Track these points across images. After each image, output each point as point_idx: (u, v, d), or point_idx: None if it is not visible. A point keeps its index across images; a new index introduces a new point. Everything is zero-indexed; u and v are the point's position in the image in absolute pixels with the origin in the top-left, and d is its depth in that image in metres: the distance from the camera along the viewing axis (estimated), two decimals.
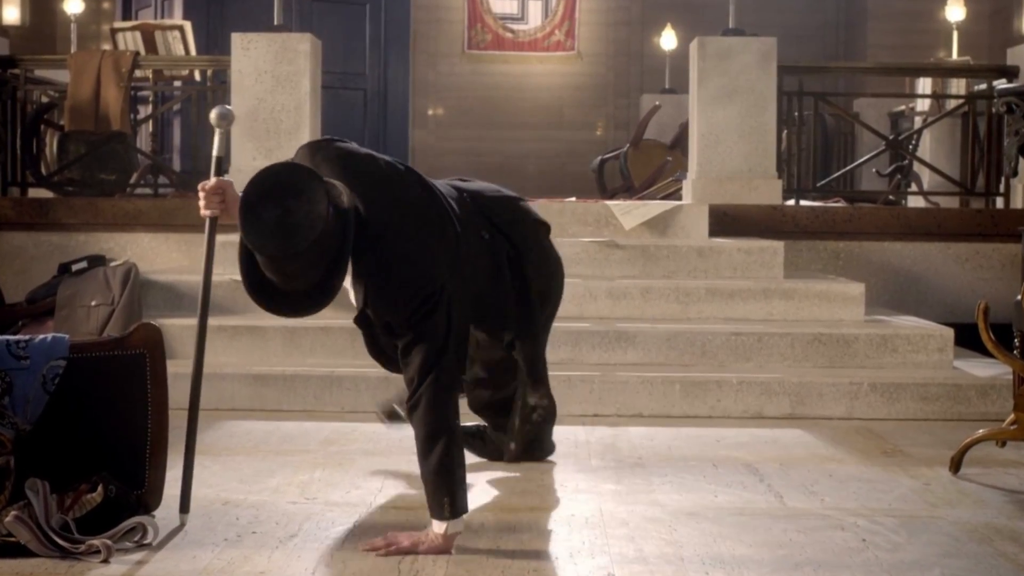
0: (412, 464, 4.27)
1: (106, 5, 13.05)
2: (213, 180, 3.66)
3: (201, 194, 3.67)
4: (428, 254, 3.42)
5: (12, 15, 11.19)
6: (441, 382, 3.33)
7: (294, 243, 3.14)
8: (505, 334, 3.99)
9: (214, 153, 3.76)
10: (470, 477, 4.15)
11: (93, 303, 5.97)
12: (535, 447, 4.36)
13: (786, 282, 6.30)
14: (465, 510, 3.35)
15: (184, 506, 3.54)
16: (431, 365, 3.32)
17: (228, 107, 3.80)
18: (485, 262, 3.77)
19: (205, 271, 3.74)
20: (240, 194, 3.31)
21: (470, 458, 4.44)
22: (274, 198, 3.19)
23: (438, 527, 3.32)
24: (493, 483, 4.10)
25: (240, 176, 7.40)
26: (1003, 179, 7.65)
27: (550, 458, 4.43)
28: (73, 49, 9.11)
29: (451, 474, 3.32)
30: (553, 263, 4.08)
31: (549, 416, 4.28)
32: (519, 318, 3.93)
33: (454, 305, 3.42)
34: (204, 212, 3.69)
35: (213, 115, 3.72)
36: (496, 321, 3.94)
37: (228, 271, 6.27)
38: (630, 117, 13.48)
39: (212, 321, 5.83)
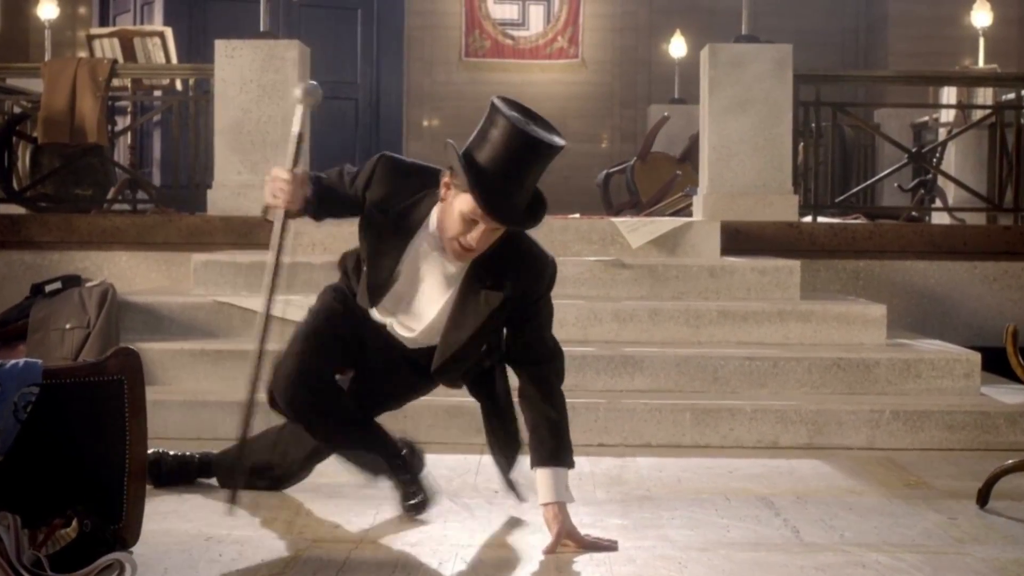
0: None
1: (82, 10, 13.09)
2: (300, 169, 3.69)
3: (285, 183, 3.67)
4: None
5: None
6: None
7: (562, 140, 3.62)
8: None
9: (295, 130, 3.73)
10: (467, 510, 4.15)
11: (68, 326, 5.97)
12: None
13: (803, 303, 6.30)
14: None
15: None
16: (559, 348, 3.93)
17: (313, 82, 3.80)
18: None
19: (274, 264, 3.73)
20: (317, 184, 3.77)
21: (463, 488, 4.44)
22: (526, 110, 3.66)
23: (556, 494, 3.74)
24: (491, 516, 4.10)
25: (224, 191, 7.44)
26: None
27: None
28: (47, 57, 9.13)
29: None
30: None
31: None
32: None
33: None
34: (279, 203, 3.70)
35: (298, 90, 3.72)
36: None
37: (211, 291, 6.30)
38: (637, 129, 13.51)
39: (194, 345, 5.86)
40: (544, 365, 3.88)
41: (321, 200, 3.83)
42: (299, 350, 3.91)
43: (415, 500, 4.07)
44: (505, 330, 3.92)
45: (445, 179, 3.69)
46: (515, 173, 3.59)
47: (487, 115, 3.63)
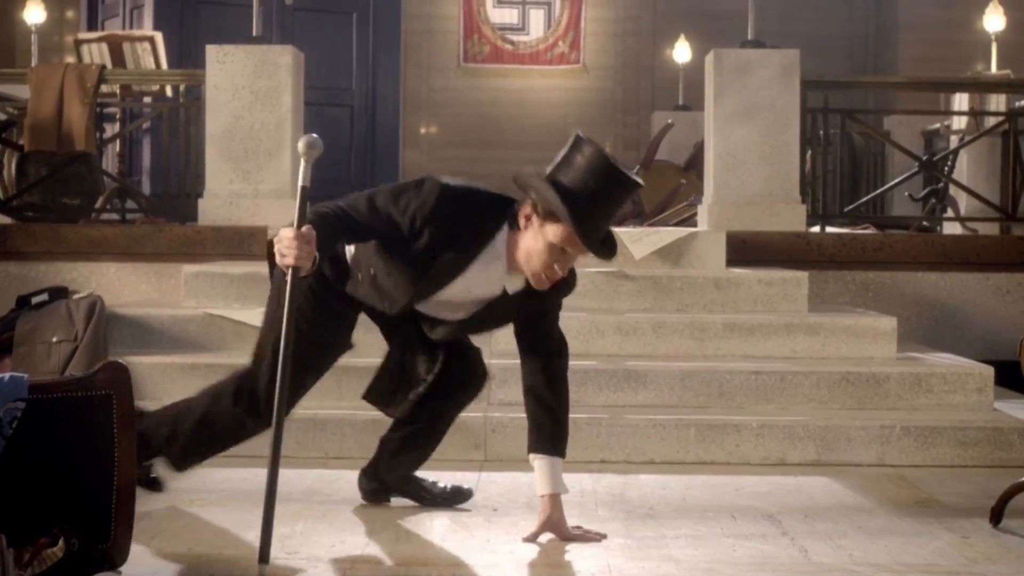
0: (401, 516, 4.28)
1: (70, 14, 13.11)
2: (305, 228, 3.64)
3: (291, 241, 3.62)
4: None
5: None
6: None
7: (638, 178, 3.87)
8: None
9: (300, 184, 3.70)
10: (465, 529, 4.15)
11: (54, 339, 5.97)
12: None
13: (811, 316, 6.31)
14: None
15: (263, 557, 3.57)
16: (566, 341, 4.12)
17: (314, 135, 3.78)
18: None
19: (286, 327, 3.70)
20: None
21: (458, 511, 4.45)
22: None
23: (552, 485, 3.97)
24: (490, 534, 4.10)
25: (216, 200, 7.45)
26: None
27: None
28: (34, 62, 9.13)
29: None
30: None
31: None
32: None
33: None
34: (293, 262, 3.64)
35: (301, 145, 3.71)
36: None
37: (202, 304, 6.30)
38: (640, 136, 13.52)
39: (185, 359, 5.87)
40: (554, 359, 4.06)
41: (338, 242, 3.90)
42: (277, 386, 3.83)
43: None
44: (522, 320, 4.07)
45: (526, 210, 3.82)
46: (603, 203, 3.75)
47: (572, 144, 3.81)
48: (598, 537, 4.00)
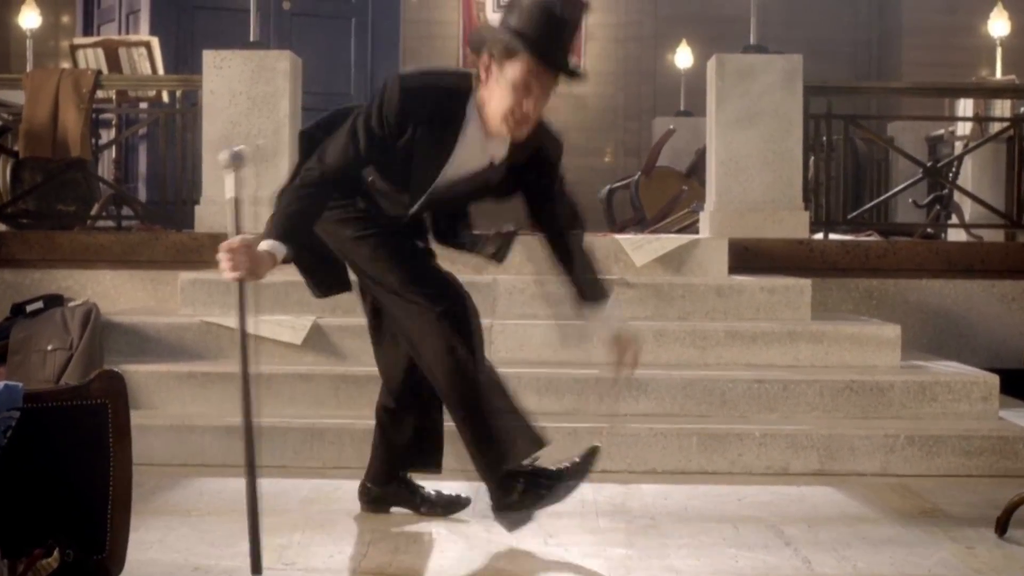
0: (400, 525, 4.28)
1: (65, 19, 13.13)
2: (236, 237, 3.68)
3: (225, 254, 3.68)
4: None
5: None
6: None
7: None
8: None
9: (229, 195, 3.73)
10: (464, 539, 4.15)
11: (49, 347, 5.97)
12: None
13: (814, 324, 6.31)
14: None
15: (256, 567, 3.55)
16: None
17: (238, 147, 3.80)
18: None
19: (241, 339, 3.69)
20: (262, 248, 3.76)
21: (461, 515, 4.45)
22: None
23: (617, 324, 4.22)
24: (490, 546, 4.10)
25: (212, 207, 7.45)
26: None
27: (552, 518, 4.42)
28: (29, 67, 9.15)
29: None
30: None
31: None
32: None
33: None
34: (232, 276, 3.72)
35: (222, 156, 3.73)
36: None
37: (199, 312, 6.30)
38: (641, 142, 13.52)
39: (181, 367, 5.87)
40: (578, 226, 4.24)
41: (311, 225, 3.95)
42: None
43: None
44: (529, 202, 4.17)
45: (483, 61, 3.86)
46: (556, 24, 3.78)
47: None
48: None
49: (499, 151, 4.00)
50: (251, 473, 3.61)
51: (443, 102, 3.93)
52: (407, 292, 4.10)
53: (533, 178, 4.10)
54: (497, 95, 3.85)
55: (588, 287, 4.18)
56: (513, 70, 3.80)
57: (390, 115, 3.89)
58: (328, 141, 3.98)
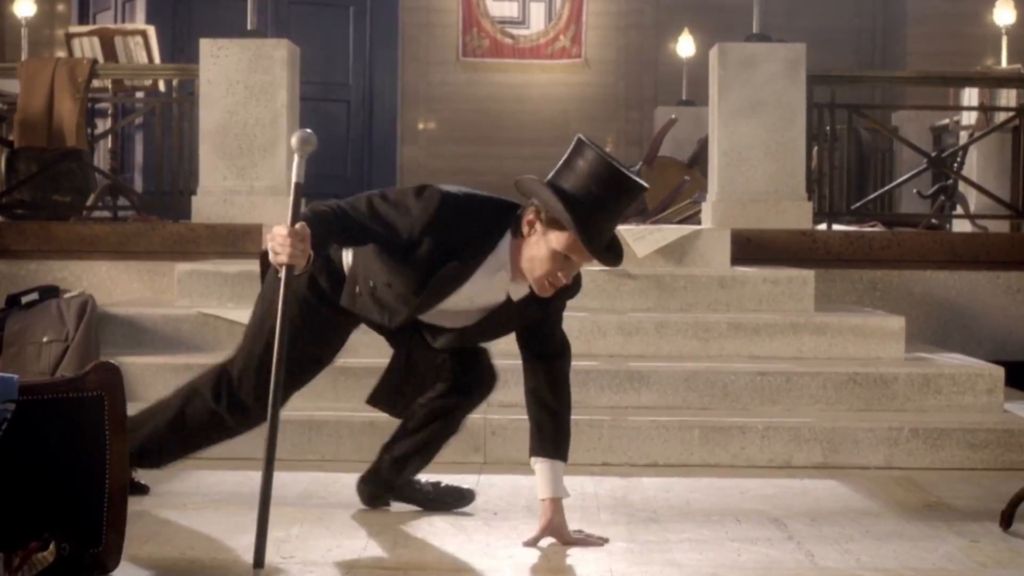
0: (399, 520, 4.28)
1: (61, 8, 13.12)
2: (299, 226, 3.62)
3: (285, 238, 3.59)
4: None
5: None
6: None
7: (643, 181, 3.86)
8: None
9: (294, 180, 3.69)
10: (464, 533, 4.15)
11: (45, 339, 5.97)
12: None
13: (817, 316, 6.31)
14: None
15: (258, 561, 3.54)
16: (566, 337, 4.14)
17: (308, 131, 3.77)
18: None
19: (281, 323, 3.66)
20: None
21: (457, 514, 4.45)
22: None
23: (552, 489, 3.98)
24: (490, 539, 4.10)
25: (209, 198, 7.45)
26: None
27: None
28: (24, 56, 9.14)
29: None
30: None
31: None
32: None
33: None
34: (287, 260, 3.62)
35: (293, 139, 3.70)
36: None
37: (196, 303, 6.30)
38: (643, 132, 13.51)
39: (178, 360, 5.86)
40: (557, 360, 4.08)
41: (333, 241, 3.89)
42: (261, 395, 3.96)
43: None
44: (517, 326, 4.09)
45: (529, 216, 3.81)
46: (608, 208, 3.76)
47: (574, 148, 3.80)
48: (600, 542, 4.01)
49: (519, 292, 3.96)
50: (269, 464, 3.61)
51: (477, 230, 3.88)
52: (237, 362, 4.20)
53: (539, 308, 4.01)
54: (536, 255, 3.81)
55: (549, 434, 4.03)
56: (558, 240, 3.76)
57: (420, 220, 3.80)
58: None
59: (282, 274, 3.65)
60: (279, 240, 3.62)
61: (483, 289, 3.95)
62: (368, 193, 3.92)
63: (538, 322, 4.06)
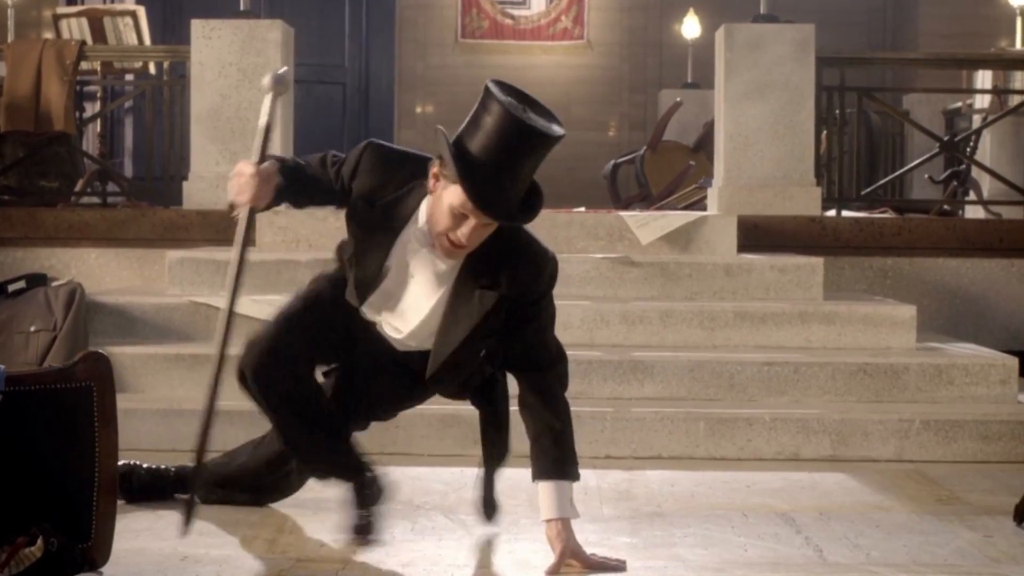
0: (398, 513, 4.27)
1: None
2: (268, 164, 3.66)
3: (250, 178, 3.64)
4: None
5: None
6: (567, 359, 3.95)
7: (562, 129, 3.62)
8: None
9: (263, 121, 3.72)
10: (463, 527, 4.15)
11: (32, 328, 5.97)
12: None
13: (826, 304, 6.31)
14: None
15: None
16: (563, 351, 3.93)
17: (283, 69, 3.81)
18: None
19: (237, 264, 3.71)
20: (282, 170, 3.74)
21: (459, 503, 4.45)
22: (524, 96, 3.65)
23: (560, 509, 3.74)
24: (488, 533, 4.10)
25: (201, 183, 7.44)
26: None
27: None
28: (10, 38, 9.12)
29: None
30: None
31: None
32: None
33: None
34: (245, 199, 3.66)
35: (267, 80, 3.73)
36: None
37: (188, 291, 6.30)
38: (647, 116, 13.52)
39: (169, 349, 5.87)
40: (547, 371, 3.87)
41: (296, 191, 3.85)
42: (277, 330, 3.87)
43: (362, 533, 3.96)
44: (500, 333, 3.89)
45: (434, 169, 3.68)
46: (509, 163, 3.58)
47: (480, 100, 3.62)
48: (621, 565, 3.78)
49: (442, 264, 3.78)
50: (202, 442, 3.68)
51: (399, 186, 3.78)
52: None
53: (516, 319, 3.84)
54: (436, 211, 3.66)
55: (551, 455, 3.80)
56: (452, 196, 3.60)
57: (345, 172, 3.79)
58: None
59: (243, 214, 3.68)
60: (244, 179, 3.65)
61: (408, 259, 3.80)
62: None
63: (521, 327, 3.84)
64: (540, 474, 3.79)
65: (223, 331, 3.77)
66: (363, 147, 3.84)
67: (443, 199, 3.62)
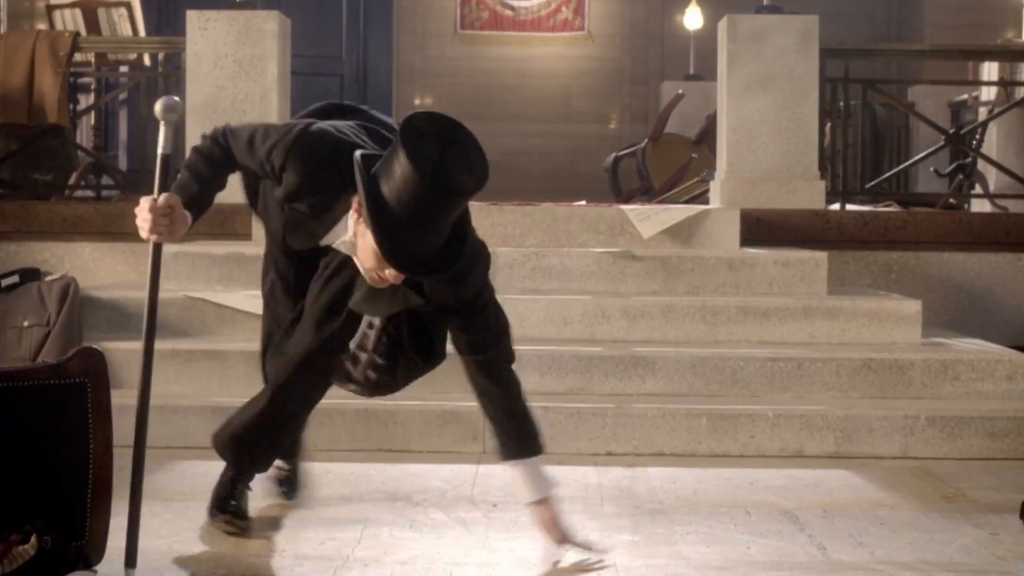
0: (396, 510, 4.28)
1: None
2: (163, 198, 3.62)
3: (146, 213, 3.63)
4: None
5: None
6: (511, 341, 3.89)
7: (484, 172, 3.42)
8: None
9: (159, 151, 3.73)
10: (462, 525, 4.15)
11: (26, 324, 5.97)
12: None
13: (830, 299, 6.30)
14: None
15: (130, 560, 3.53)
16: (504, 324, 3.88)
17: (174, 98, 3.78)
18: None
19: (149, 301, 3.69)
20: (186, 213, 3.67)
21: (457, 501, 4.45)
22: (442, 135, 3.42)
23: (539, 489, 3.82)
24: (489, 531, 4.10)
25: None
26: None
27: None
28: (2, 29, 9.14)
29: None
30: None
31: None
32: None
33: None
34: (148, 236, 3.67)
35: (157, 106, 3.71)
36: None
37: (183, 286, 6.30)
38: (649, 108, 13.52)
39: (164, 345, 5.85)
40: (491, 351, 3.85)
41: (204, 206, 3.82)
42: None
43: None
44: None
45: (355, 204, 3.52)
46: (421, 220, 3.40)
47: (396, 141, 3.42)
48: (601, 552, 3.82)
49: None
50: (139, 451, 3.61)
51: (331, 182, 3.62)
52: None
53: (458, 320, 3.81)
54: (362, 246, 3.53)
55: (512, 433, 3.84)
56: (372, 242, 3.44)
57: (275, 154, 3.66)
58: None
59: (149, 249, 3.68)
60: (141, 216, 3.64)
61: (339, 255, 3.80)
62: (258, 124, 3.86)
63: (466, 324, 3.79)
64: (511, 454, 3.86)
65: (143, 382, 3.70)
66: (294, 138, 3.66)
67: (367, 238, 3.47)
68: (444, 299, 3.73)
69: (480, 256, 3.77)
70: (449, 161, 3.37)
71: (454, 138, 3.42)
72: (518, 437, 3.85)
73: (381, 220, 3.39)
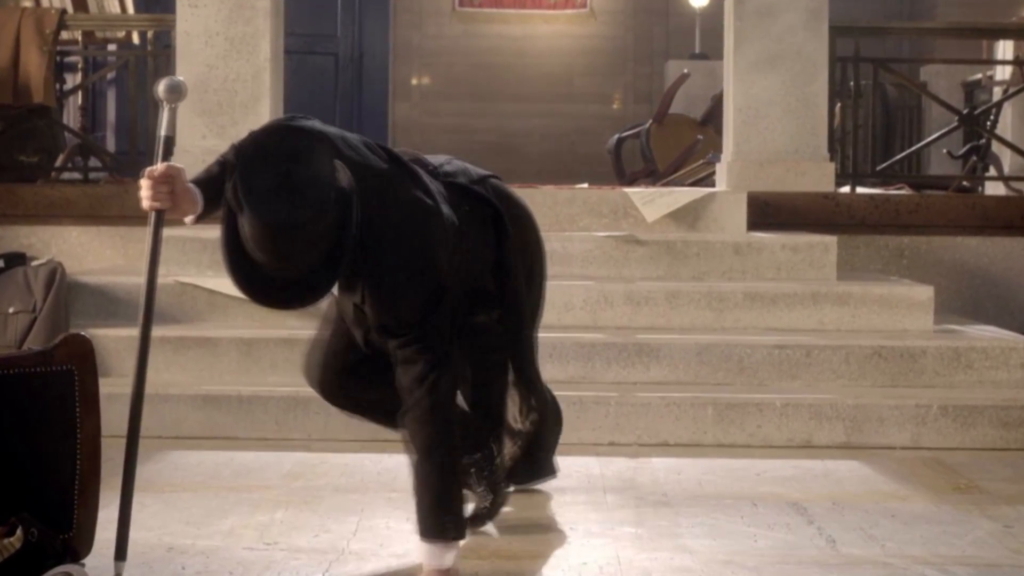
0: (393, 502, 4.28)
1: None
2: (161, 166, 3.66)
3: (146, 182, 3.66)
4: (430, 246, 3.56)
5: None
6: (441, 388, 3.53)
7: (297, 212, 3.26)
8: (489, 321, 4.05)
9: (161, 132, 3.74)
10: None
11: (11, 310, 5.97)
12: (521, 468, 4.32)
13: (840, 285, 6.30)
14: (464, 535, 3.55)
15: (120, 553, 3.53)
16: (431, 368, 3.51)
17: (178, 78, 3.78)
18: (472, 241, 3.81)
19: (148, 276, 3.72)
20: (190, 181, 3.59)
21: None
22: (274, 160, 3.36)
23: (435, 557, 3.48)
24: (487, 525, 4.10)
25: (188, 158, 7.40)
26: None
27: (551, 490, 4.43)
28: None
29: (450, 490, 3.56)
30: (532, 219, 4.14)
31: (543, 425, 4.27)
32: (503, 297, 3.95)
33: (455, 303, 3.63)
34: (148, 204, 3.70)
35: (160, 88, 3.72)
36: (482, 307, 3.99)
37: (173, 271, 6.29)
38: (653, 88, 13.50)
39: (154, 332, 5.82)
40: (409, 405, 3.57)
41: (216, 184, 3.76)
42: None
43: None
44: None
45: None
46: (272, 258, 3.35)
47: (240, 167, 3.44)
48: None
49: None
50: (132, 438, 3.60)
51: None
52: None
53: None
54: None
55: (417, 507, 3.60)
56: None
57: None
58: None
59: (150, 219, 3.70)
60: (143, 185, 3.67)
61: None
62: None
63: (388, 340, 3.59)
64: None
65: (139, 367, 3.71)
66: (236, 147, 3.68)
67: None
68: (380, 317, 3.59)
69: (423, 287, 3.55)
70: (278, 193, 3.31)
71: (257, 175, 3.38)
72: (421, 514, 3.56)
73: (234, 264, 3.42)
